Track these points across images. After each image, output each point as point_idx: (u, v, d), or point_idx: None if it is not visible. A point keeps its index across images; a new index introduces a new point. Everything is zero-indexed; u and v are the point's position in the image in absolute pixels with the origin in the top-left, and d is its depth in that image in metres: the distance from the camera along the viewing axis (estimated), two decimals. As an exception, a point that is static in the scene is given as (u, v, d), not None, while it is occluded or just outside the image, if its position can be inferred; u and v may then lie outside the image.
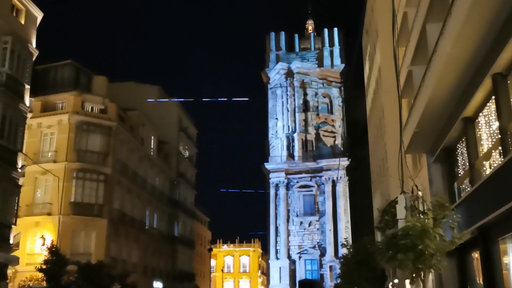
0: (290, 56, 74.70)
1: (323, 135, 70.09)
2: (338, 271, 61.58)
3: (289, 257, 66.49)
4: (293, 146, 69.89)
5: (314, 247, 66.11)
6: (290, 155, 69.43)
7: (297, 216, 67.77)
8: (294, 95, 71.58)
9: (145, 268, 44.03)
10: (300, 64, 72.33)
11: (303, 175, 69.04)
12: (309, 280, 60.37)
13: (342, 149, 69.53)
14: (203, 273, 67.20)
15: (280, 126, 71.26)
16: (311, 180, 68.80)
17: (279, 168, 69.47)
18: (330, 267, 63.27)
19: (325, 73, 72.57)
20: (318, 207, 67.49)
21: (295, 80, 71.93)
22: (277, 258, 67.13)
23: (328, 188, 67.12)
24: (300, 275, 65.03)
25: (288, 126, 70.76)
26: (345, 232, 64.40)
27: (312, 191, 68.49)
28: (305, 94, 71.83)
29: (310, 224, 67.05)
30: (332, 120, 70.21)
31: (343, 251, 32.13)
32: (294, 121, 70.40)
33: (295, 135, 69.86)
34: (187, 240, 57.14)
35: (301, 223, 67.35)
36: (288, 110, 71.34)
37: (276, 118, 72.11)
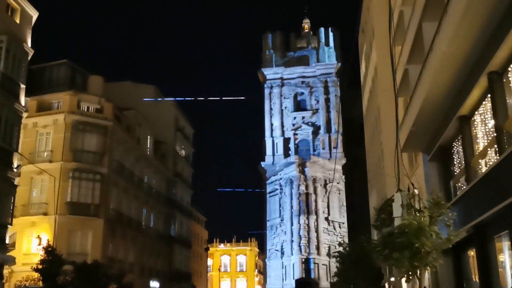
0: (286, 55, 74.65)
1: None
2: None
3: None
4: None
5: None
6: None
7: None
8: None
9: (142, 268, 43.94)
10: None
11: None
12: (305, 278, 60.93)
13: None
14: (200, 273, 67.14)
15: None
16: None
17: (275, 167, 69.77)
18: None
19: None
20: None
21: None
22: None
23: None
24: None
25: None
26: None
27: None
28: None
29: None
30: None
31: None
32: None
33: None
34: (184, 240, 57.06)
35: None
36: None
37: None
